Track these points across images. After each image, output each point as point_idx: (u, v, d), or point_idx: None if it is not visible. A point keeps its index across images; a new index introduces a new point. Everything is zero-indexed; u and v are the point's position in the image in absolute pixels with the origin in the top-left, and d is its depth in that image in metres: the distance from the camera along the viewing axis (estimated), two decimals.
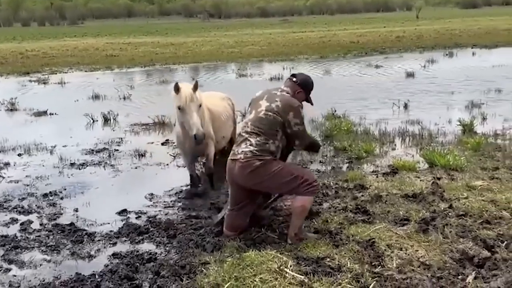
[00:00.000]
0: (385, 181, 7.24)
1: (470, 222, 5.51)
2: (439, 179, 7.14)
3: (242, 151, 5.15)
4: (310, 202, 5.21)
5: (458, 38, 35.42)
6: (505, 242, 5.01)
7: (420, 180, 7.18)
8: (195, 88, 6.43)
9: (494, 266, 4.61)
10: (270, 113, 5.16)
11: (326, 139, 9.72)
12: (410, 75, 18.94)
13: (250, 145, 5.13)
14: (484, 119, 11.11)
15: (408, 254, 4.84)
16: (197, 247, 5.23)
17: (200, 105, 6.53)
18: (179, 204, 6.77)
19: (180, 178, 7.74)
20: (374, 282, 4.28)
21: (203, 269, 4.59)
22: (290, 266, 4.50)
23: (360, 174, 7.51)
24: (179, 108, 6.38)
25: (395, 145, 9.40)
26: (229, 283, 4.23)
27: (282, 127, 5.17)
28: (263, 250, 4.76)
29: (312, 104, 5.60)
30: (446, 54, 26.37)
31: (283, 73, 20.52)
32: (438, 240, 5.09)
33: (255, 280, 4.23)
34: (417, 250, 4.91)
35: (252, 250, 4.79)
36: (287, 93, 5.34)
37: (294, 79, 5.43)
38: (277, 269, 4.40)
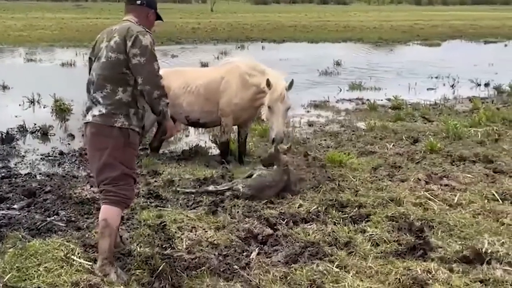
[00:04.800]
0: (179, 166, 7.36)
1: (256, 202, 5.83)
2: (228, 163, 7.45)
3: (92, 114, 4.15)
4: (113, 216, 4.08)
5: (249, 32, 36.99)
6: (286, 219, 5.40)
7: (211, 165, 7.43)
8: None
9: (276, 242, 4.95)
10: (111, 54, 4.11)
11: None
12: (204, 66, 19.35)
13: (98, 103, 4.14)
14: None
15: (198, 235, 4.98)
16: None
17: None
18: None
19: None
20: (164, 264, 4.33)
21: None
22: (78, 253, 4.36)
23: (153, 161, 7.53)
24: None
25: (189, 131, 9.59)
26: (11, 274, 3.97)
27: (127, 66, 4.11)
28: (48, 239, 4.55)
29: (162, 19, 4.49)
30: (238, 47, 27.45)
31: (76, 59, 19.72)
32: (226, 220, 5.32)
33: (39, 270, 4.04)
34: (206, 231, 5.08)
35: (37, 240, 4.55)
36: (133, 22, 4.25)
37: (138, 1, 4.28)
38: (63, 257, 4.24)
